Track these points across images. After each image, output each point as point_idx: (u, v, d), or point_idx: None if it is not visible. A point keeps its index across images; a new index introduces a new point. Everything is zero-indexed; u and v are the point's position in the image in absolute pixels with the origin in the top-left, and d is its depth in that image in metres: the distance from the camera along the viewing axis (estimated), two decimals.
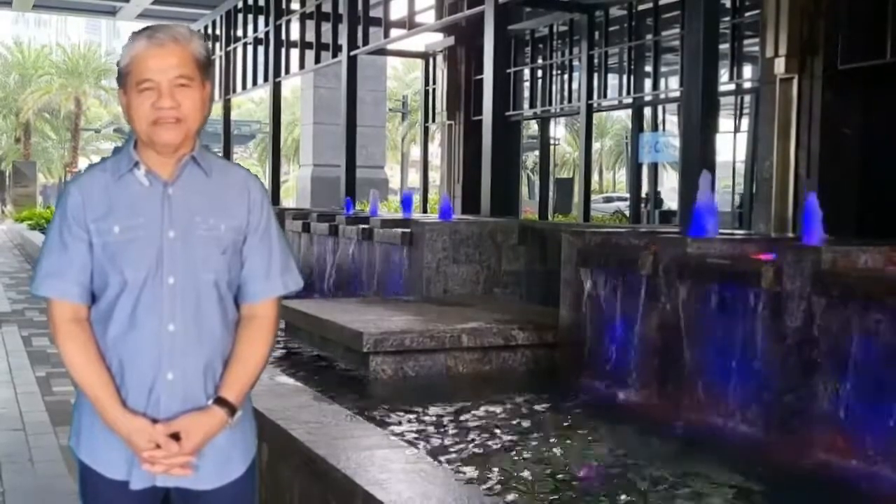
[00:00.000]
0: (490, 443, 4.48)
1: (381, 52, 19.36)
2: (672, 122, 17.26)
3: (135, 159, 2.17)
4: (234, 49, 23.52)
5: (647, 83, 15.78)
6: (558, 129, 30.44)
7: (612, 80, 16.41)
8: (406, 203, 11.44)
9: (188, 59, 2.12)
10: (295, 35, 20.20)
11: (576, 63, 16.49)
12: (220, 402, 2.15)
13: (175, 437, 2.10)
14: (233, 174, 2.24)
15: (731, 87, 13.67)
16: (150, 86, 2.10)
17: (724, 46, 12.50)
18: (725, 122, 14.17)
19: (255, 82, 22.63)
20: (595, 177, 42.06)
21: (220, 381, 2.18)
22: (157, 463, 2.09)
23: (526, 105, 18.20)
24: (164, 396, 2.13)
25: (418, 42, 21.21)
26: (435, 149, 27.82)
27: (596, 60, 15.55)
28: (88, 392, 2.14)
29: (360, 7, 16.56)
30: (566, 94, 17.18)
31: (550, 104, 17.53)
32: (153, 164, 2.16)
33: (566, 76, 17.14)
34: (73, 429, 2.25)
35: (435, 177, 29.50)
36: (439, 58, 19.39)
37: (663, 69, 16.07)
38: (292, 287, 2.27)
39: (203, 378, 2.16)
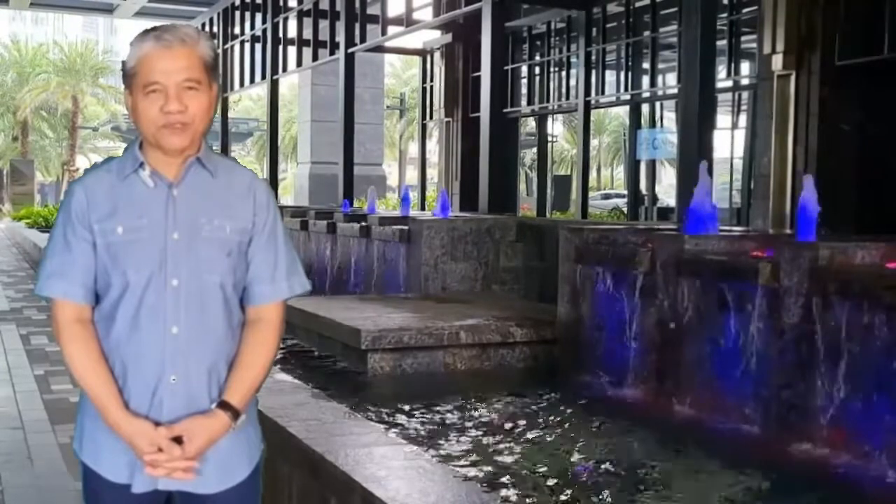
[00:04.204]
0: (488, 439, 4.48)
1: (379, 49, 19.36)
2: (670, 118, 17.25)
3: (140, 160, 2.16)
4: (232, 47, 23.51)
5: (645, 80, 15.78)
6: (556, 126, 30.47)
7: (610, 76, 16.40)
8: (404, 200, 11.45)
9: (196, 61, 2.11)
10: (292, 32, 20.19)
11: (573, 60, 16.48)
12: (223, 405, 2.14)
13: (178, 440, 2.08)
14: (238, 175, 2.23)
15: (729, 83, 13.67)
16: (157, 88, 2.08)
17: (722, 43, 12.51)
18: (723, 119, 14.17)
19: (252, 80, 22.63)
20: (593, 173, 42.14)
21: (224, 385, 2.16)
22: (159, 466, 2.08)
23: (524, 102, 18.20)
24: (168, 399, 2.12)
25: (416, 39, 21.22)
26: (433, 146, 27.84)
27: (593, 57, 15.54)
28: (91, 393, 2.12)
29: (357, 4, 16.55)
30: (564, 90, 17.17)
31: (548, 101, 17.52)
32: (158, 165, 2.15)
33: (564, 73, 17.13)
34: (76, 431, 2.23)
35: (433, 174, 29.55)
36: (437, 55, 19.38)
37: (661, 66, 16.07)
38: (298, 290, 2.25)
39: (207, 381, 2.15)
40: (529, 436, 4.58)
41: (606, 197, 32.95)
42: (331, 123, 20.90)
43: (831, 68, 9.26)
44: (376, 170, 27.05)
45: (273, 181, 20.93)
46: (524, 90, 18.21)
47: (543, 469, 4.08)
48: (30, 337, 8.95)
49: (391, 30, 16.76)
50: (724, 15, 12.76)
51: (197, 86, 2.11)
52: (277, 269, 2.22)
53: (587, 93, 15.58)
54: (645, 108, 16.55)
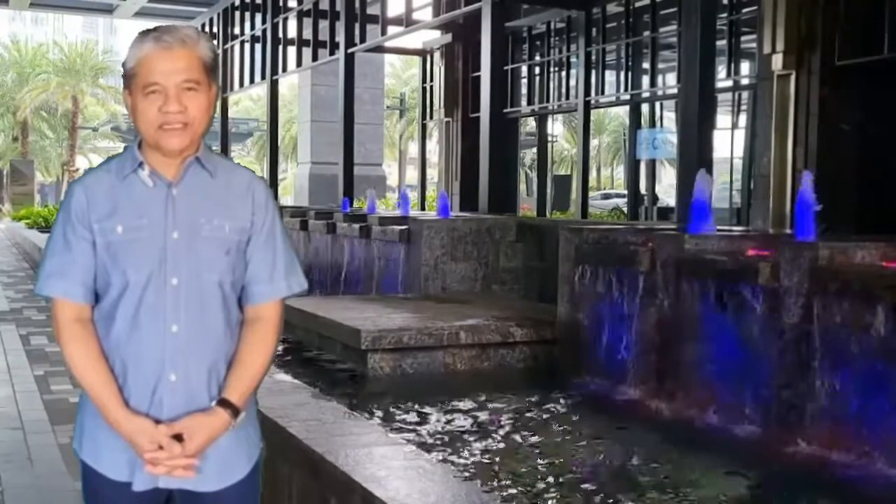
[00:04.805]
0: (488, 440, 4.48)
1: (379, 49, 19.36)
2: (670, 118, 17.25)
3: (139, 160, 2.17)
4: (232, 47, 23.51)
5: (645, 80, 15.78)
6: (556, 126, 30.48)
7: (610, 76, 16.41)
8: (403, 201, 11.45)
9: (195, 62, 2.12)
10: (292, 32, 20.20)
11: (573, 60, 16.48)
12: (223, 403, 2.14)
13: (178, 438, 2.09)
14: (237, 175, 2.24)
15: (729, 83, 13.67)
16: (156, 89, 2.10)
17: (722, 43, 12.50)
18: (723, 119, 14.17)
19: (252, 80, 22.63)
20: (593, 173, 42.14)
21: (223, 383, 2.17)
22: (159, 464, 2.09)
23: (524, 102, 18.20)
24: (167, 397, 2.13)
25: (416, 39, 21.22)
26: (433, 146, 27.85)
27: (593, 57, 15.55)
28: (91, 392, 2.13)
29: (357, 4, 16.56)
30: (564, 90, 17.17)
31: (548, 101, 17.52)
32: (157, 164, 2.16)
33: (564, 73, 17.13)
34: (76, 430, 2.24)
35: (433, 174, 29.56)
36: (437, 55, 19.38)
37: (661, 66, 16.06)
38: (296, 289, 2.26)
39: (207, 379, 2.16)
40: (529, 436, 4.58)
41: (606, 197, 32.95)
42: (331, 123, 20.91)
43: (831, 68, 9.26)
44: (376, 170, 27.06)
45: (273, 181, 20.93)
46: (524, 90, 18.21)
47: (543, 469, 4.08)
48: (29, 337, 8.95)
49: (391, 30, 16.76)
50: (724, 15, 12.75)
51: (196, 87, 2.12)
52: (276, 268, 2.23)
53: (587, 93, 15.58)
54: (645, 108, 16.55)
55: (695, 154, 9.84)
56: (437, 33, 18.99)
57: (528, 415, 4.98)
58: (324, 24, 18.64)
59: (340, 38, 16.60)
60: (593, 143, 33.70)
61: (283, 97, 36.77)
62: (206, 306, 2.15)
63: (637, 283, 5.27)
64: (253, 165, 45.38)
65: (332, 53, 17.69)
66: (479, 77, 13.85)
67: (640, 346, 5.26)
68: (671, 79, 16.24)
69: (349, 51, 16.27)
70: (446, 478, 3.12)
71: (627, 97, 16.25)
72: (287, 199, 33.85)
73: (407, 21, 16.29)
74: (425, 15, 17.58)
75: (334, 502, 3.21)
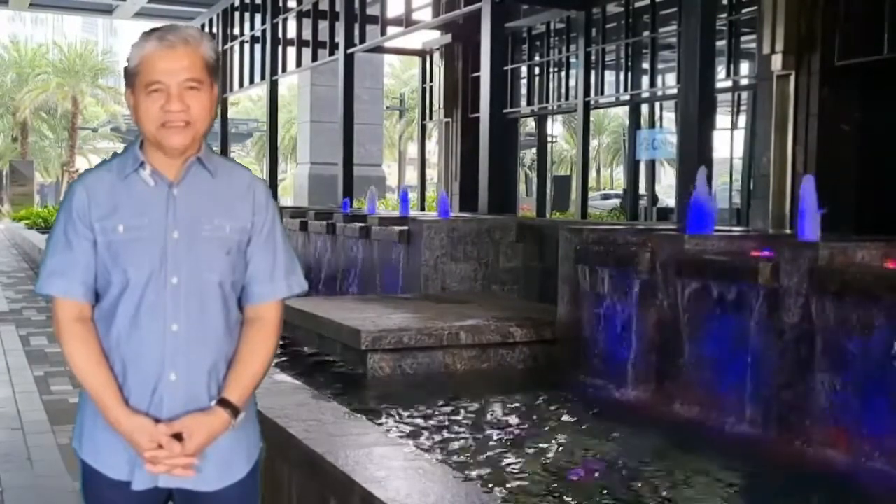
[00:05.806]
0: (488, 440, 4.48)
1: (379, 49, 19.36)
2: (669, 118, 17.25)
3: (140, 159, 2.17)
4: (232, 47, 23.51)
5: (645, 80, 15.78)
6: (556, 127, 30.48)
7: (610, 76, 16.41)
8: (403, 201, 11.44)
9: (198, 61, 2.12)
10: (292, 33, 20.20)
11: (573, 60, 16.49)
12: (223, 403, 2.14)
13: (178, 437, 2.09)
14: (238, 175, 2.24)
15: (729, 83, 13.68)
16: (159, 88, 2.10)
17: (721, 43, 12.51)
18: (723, 119, 14.17)
19: (252, 80, 22.63)
20: (593, 174, 42.13)
21: (223, 383, 2.17)
22: (159, 463, 2.09)
23: (523, 102, 18.21)
24: (167, 397, 2.13)
25: (415, 40, 21.25)
26: (432, 146, 27.85)
27: (593, 57, 15.56)
28: (91, 391, 2.13)
29: (356, 5, 16.56)
30: (563, 91, 17.18)
31: (548, 101, 17.53)
32: (159, 164, 2.16)
33: (563, 73, 17.15)
34: (76, 430, 2.24)
35: (432, 174, 29.57)
36: (436, 55, 19.40)
37: (660, 66, 16.08)
38: (296, 290, 2.27)
39: (207, 379, 2.16)
40: (529, 436, 4.58)
41: (606, 197, 32.96)
42: (330, 124, 20.91)
43: (831, 68, 9.27)
44: (376, 170, 27.08)
45: (272, 181, 20.93)
46: (524, 90, 18.22)
47: (543, 469, 4.08)
48: (29, 338, 8.95)
49: (391, 30, 16.77)
50: (724, 15, 12.76)
51: (198, 86, 2.12)
52: (276, 268, 2.23)
53: (587, 93, 15.59)
54: (644, 108, 16.55)
55: (695, 154, 9.82)
56: (436, 34, 19.00)
57: (528, 415, 4.98)
58: (323, 25, 18.64)
59: (340, 38, 16.60)
60: (593, 143, 33.68)
61: (283, 97, 36.82)
62: (207, 306, 2.15)
63: (637, 284, 5.27)
64: (253, 165, 45.40)
65: (331, 54, 17.69)
66: (478, 77, 13.84)
67: (639, 346, 5.26)
68: (671, 79, 16.26)
69: (349, 51, 16.27)
70: (446, 478, 3.12)
71: (627, 97, 16.25)
72: (287, 200, 33.87)
73: (407, 21, 16.29)
74: (425, 15, 17.59)
75: (334, 503, 3.21)
